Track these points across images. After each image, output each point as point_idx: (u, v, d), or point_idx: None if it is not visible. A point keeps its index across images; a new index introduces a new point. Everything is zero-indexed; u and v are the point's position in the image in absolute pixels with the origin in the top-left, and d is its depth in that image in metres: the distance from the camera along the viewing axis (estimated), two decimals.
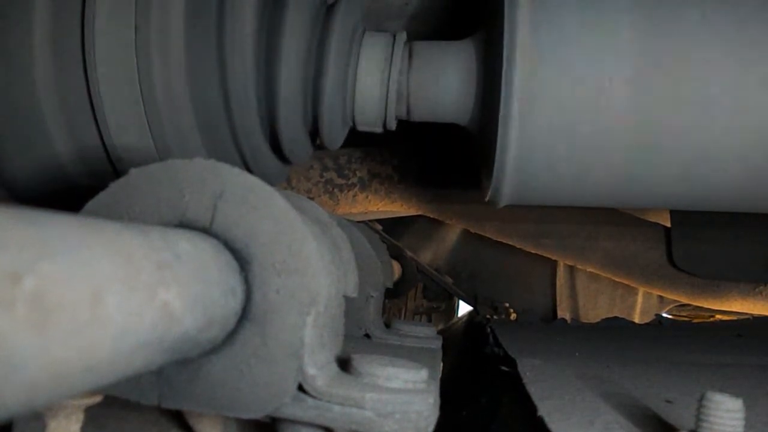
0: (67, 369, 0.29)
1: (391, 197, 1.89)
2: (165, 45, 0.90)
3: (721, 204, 1.18)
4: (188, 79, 0.92)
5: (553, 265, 2.37)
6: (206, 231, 0.49)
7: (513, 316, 2.39)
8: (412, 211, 2.01)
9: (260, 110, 1.05)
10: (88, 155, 0.95)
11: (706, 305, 2.06)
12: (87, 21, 0.89)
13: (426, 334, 0.94)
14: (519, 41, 1.03)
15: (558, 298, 2.38)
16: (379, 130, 1.21)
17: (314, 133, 1.18)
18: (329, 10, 1.12)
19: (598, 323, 1.77)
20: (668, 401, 0.82)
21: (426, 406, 0.49)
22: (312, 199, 1.68)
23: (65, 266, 0.29)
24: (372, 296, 0.93)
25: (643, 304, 2.31)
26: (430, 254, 2.57)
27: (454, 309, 2.88)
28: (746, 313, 2.02)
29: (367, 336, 0.91)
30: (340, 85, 1.11)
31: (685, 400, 0.82)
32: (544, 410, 0.73)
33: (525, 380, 0.85)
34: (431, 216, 2.06)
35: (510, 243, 2.11)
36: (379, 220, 2.04)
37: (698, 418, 0.60)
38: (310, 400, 0.48)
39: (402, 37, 1.16)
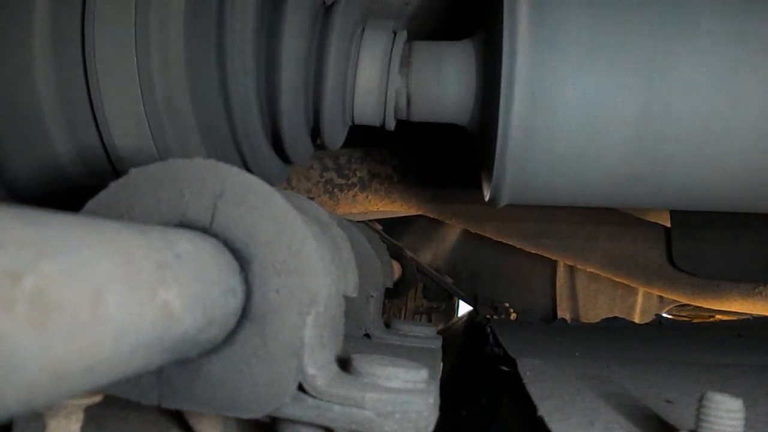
0: (67, 369, 0.29)
1: (391, 197, 1.89)
2: (165, 45, 0.90)
3: (722, 204, 1.18)
4: (188, 79, 0.92)
5: (553, 265, 2.37)
6: (206, 231, 0.49)
7: (513, 316, 2.39)
8: (412, 211, 2.01)
9: (261, 110, 1.05)
10: (88, 155, 0.95)
11: (706, 305, 2.06)
12: (87, 21, 0.89)
13: (426, 334, 0.94)
14: (519, 41, 1.03)
15: (558, 298, 2.38)
16: (378, 123, 1.21)
17: (315, 133, 1.18)
18: (328, 10, 1.12)
19: (598, 323, 1.77)
20: (668, 401, 0.81)
21: (426, 406, 0.49)
22: (312, 198, 1.68)
23: (65, 266, 0.29)
24: (372, 296, 0.93)
25: (643, 304, 2.31)
26: (430, 254, 2.57)
27: (454, 309, 2.88)
28: (746, 313, 2.02)
29: (367, 336, 0.91)
30: (340, 85, 1.11)
31: (685, 400, 0.81)
32: (544, 410, 0.73)
33: (525, 380, 0.85)
34: (431, 216, 2.06)
35: (510, 243, 2.11)
36: (379, 220, 2.04)
37: (698, 418, 0.60)
38: (310, 400, 0.48)
39: (402, 36, 1.16)
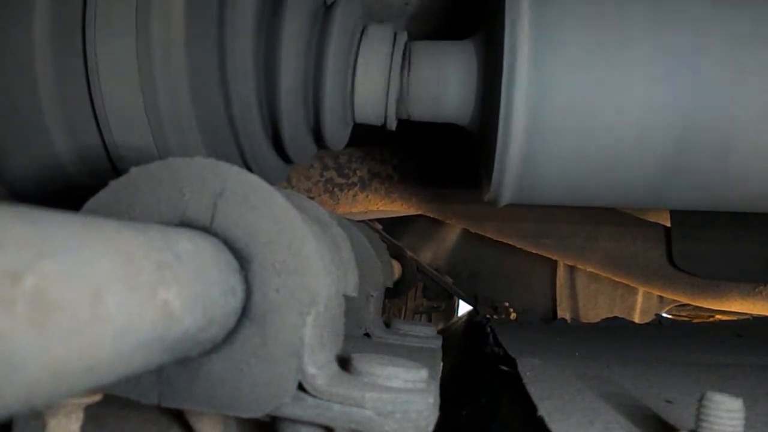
0: (67, 368, 0.29)
1: (391, 197, 1.89)
2: (166, 44, 0.90)
3: (723, 204, 1.18)
4: (189, 78, 0.92)
5: (553, 265, 2.37)
6: (206, 230, 0.49)
7: (513, 315, 2.39)
8: (412, 211, 2.01)
9: (261, 110, 1.05)
10: (88, 154, 0.95)
11: (706, 305, 2.06)
12: (88, 20, 0.89)
13: (426, 334, 0.94)
14: (520, 41, 1.03)
15: (558, 298, 2.38)
16: (379, 123, 1.20)
17: (317, 133, 1.18)
18: (329, 10, 1.12)
19: (598, 323, 1.77)
20: (668, 401, 0.81)
21: (426, 406, 0.49)
22: (312, 198, 1.68)
23: (65, 265, 0.29)
24: (372, 296, 0.93)
25: (643, 304, 2.31)
26: (430, 254, 2.57)
27: (454, 309, 2.89)
28: (746, 313, 2.02)
29: (367, 335, 0.91)
30: (340, 85, 1.11)
31: (685, 400, 0.81)
32: (544, 410, 0.73)
33: (525, 380, 0.85)
34: (431, 216, 2.06)
35: (510, 243, 2.11)
36: (379, 220, 2.05)
37: (698, 418, 0.60)
38: (310, 400, 0.48)
39: (402, 37, 1.16)
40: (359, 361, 0.52)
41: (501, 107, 1.04)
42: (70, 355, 0.28)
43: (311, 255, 0.48)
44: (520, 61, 1.03)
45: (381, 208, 1.91)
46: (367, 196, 1.86)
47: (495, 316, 2.29)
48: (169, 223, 0.49)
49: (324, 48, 1.08)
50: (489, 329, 1.35)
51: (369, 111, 1.16)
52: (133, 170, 0.51)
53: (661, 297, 2.28)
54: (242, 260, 0.49)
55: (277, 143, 1.12)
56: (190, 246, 0.43)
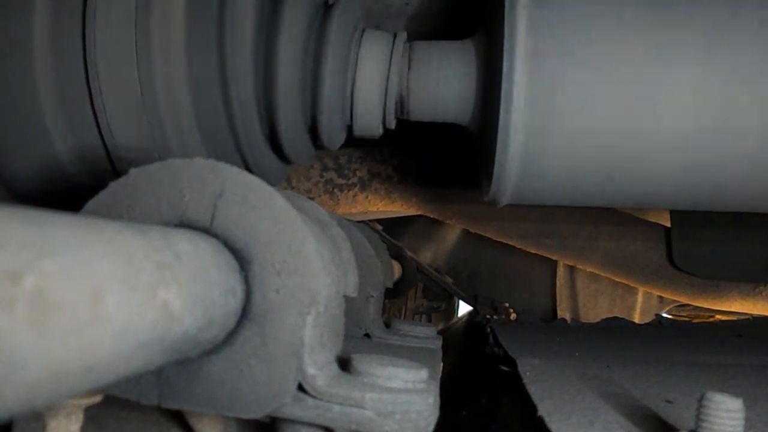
0: (67, 368, 0.29)
1: (391, 197, 1.89)
2: (165, 45, 0.90)
3: (722, 204, 1.18)
4: (188, 79, 0.92)
5: (553, 265, 2.37)
6: (206, 231, 0.49)
7: (513, 316, 2.39)
8: (412, 211, 2.01)
9: (260, 110, 1.05)
10: (88, 155, 0.95)
11: (706, 305, 2.06)
12: (88, 20, 0.89)
13: (426, 334, 0.94)
14: (519, 41, 1.03)
15: (558, 298, 2.38)
16: (377, 134, 1.21)
17: (315, 133, 1.18)
18: (328, 10, 1.12)
19: (598, 323, 1.77)
20: (668, 401, 0.81)
21: (426, 406, 0.49)
22: (312, 198, 1.68)
23: (65, 265, 0.29)
24: (372, 296, 0.93)
25: (643, 304, 2.31)
26: (430, 254, 2.57)
27: (454, 309, 2.88)
28: (746, 313, 2.02)
29: (367, 336, 0.91)
30: (339, 85, 1.11)
31: (685, 400, 0.81)
32: (544, 410, 0.73)
33: (525, 380, 0.85)
34: (431, 216, 2.06)
35: (510, 243, 2.11)
36: (379, 220, 2.04)
37: (698, 418, 0.60)
38: (310, 400, 0.48)
39: (402, 37, 1.16)
40: (359, 361, 0.52)
41: (501, 107, 1.04)
42: (70, 355, 0.28)
43: (311, 255, 0.48)
44: (520, 61, 1.03)
45: (381, 209, 1.91)
46: (367, 197, 1.86)
47: (495, 316, 2.29)
48: (169, 224, 0.49)
49: (323, 48, 1.08)
50: (489, 329, 1.35)
51: (368, 111, 1.16)
52: (133, 171, 0.51)
53: (661, 297, 2.28)
54: (242, 260, 0.49)
55: (276, 144, 1.12)
56: (190, 246, 0.43)
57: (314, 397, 0.48)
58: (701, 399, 0.60)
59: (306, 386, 0.48)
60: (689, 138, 1.06)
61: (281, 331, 0.48)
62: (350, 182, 1.84)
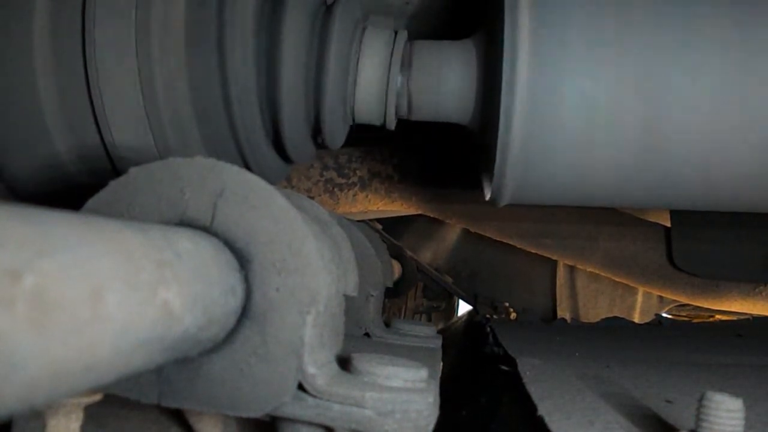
0: (67, 368, 0.29)
1: (391, 196, 1.89)
2: (166, 44, 0.90)
3: (724, 204, 1.18)
4: (189, 78, 0.92)
5: (553, 265, 2.37)
6: (206, 229, 0.49)
7: (513, 315, 2.39)
8: (412, 211, 2.01)
9: (261, 109, 1.05)
10: (88, 154, 0.95)
11: (706, 305, 2.06)
12: (87, 20, 0.89)
13: (426, 334, 0.94)
14: (520, 41, 1.03)
15: (558, 298, 2.38)
16: (379, 122, 1.20)
17: (316, 133, 1.18)
18: (329, 10, 1.12)
19: (598, 323, 1.77)
20: (668, 401, 0.81)
21: (426, 405, 0.49)
22: (312, 198, 1.68)
23: (65, 264, 0.29)
24: (372, 295, 0.93)
25: (643, 304, 2.31)
26: (430, 254, 2.57)
27: (454, 308, 2.89)
28: (746, 313, 2.02)
29: (367, 335, 0.91)
30: (340, 84, 1.11)
31: (685, 400, 0.81)
32: (544, 410, 0.73)
33: (525, 380, 0.85)
34: (431, 215, 2.06)
35: (510, 243, 2.11)
36: (379, 220, 2.04)
37: (698, 418, 0.60)
38: (310, 399, 0.48)
39: (403, 36, 1.16)
40: (359, 360, 0.52)
41: (501, 107, 1.04)
42: (70, 354, 0.28)
43: (311, 254, 0.48)
44: (520, 61, 1.03)
45: (381, 208, 1.91)
46: (367, 196, 1.86)
47: (495, 316, 2.29)
48: (169, 223, 0.49)
49: (324, 47, 1.08)
50: (489, 329, 1.35)
51: (369, 110, 1.16)
52: (133, 170, 0.51)
53: (661, 297, 2.28)
54: (242, 260, 0.49)
55: (277, 143, 1.12)
56: (190, 245, 0.43)
57: (314, 396, 0.48)
58: (701, 399, 0.60)
59: (306, 385, 0.48)
60: (690, 138, 1.06)
61: (281, 330, 0.48)
62: (350, 181, 1.84)
